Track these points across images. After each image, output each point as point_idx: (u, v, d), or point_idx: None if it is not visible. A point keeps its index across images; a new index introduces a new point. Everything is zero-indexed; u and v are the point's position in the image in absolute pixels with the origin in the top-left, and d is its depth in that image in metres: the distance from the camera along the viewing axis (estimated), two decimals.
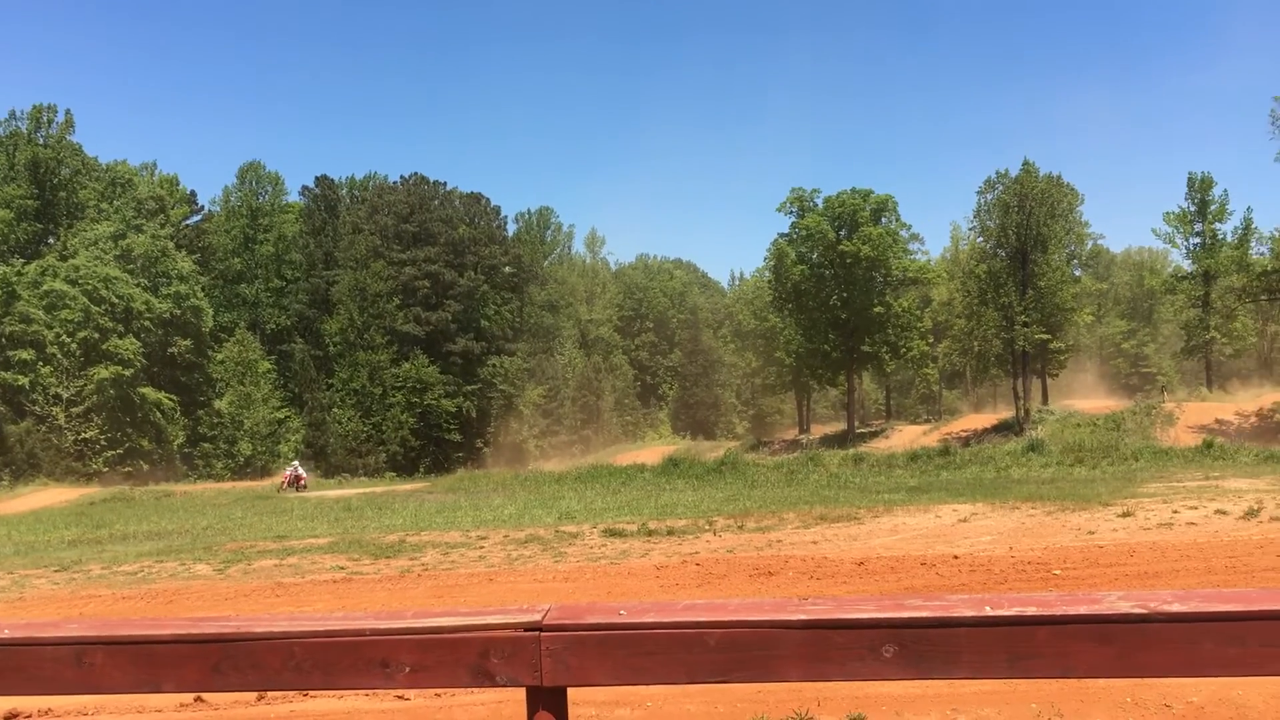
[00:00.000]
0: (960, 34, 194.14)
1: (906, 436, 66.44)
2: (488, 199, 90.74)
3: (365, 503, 33.21)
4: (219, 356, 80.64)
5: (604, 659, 2.10)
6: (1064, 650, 2.04)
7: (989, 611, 2.07)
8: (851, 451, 46.52)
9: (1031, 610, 2.06)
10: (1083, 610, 2.05)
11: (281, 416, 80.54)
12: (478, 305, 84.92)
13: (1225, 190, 73.36)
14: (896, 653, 2.08)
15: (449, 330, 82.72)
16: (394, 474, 69.12)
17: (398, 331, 79.98)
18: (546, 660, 2.09)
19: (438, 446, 79.48)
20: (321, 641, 2.15)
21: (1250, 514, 17.89)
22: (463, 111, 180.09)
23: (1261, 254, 65.71)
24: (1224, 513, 18.25)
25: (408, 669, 2.12)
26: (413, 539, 19.59)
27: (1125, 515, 18.48)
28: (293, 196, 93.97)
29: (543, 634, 2.09)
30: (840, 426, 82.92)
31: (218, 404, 78.51)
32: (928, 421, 78.60)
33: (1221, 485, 24.85)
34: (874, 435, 72.21)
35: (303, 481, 49.83)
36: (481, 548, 17.55)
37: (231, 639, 2.16)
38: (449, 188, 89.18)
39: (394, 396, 77.59)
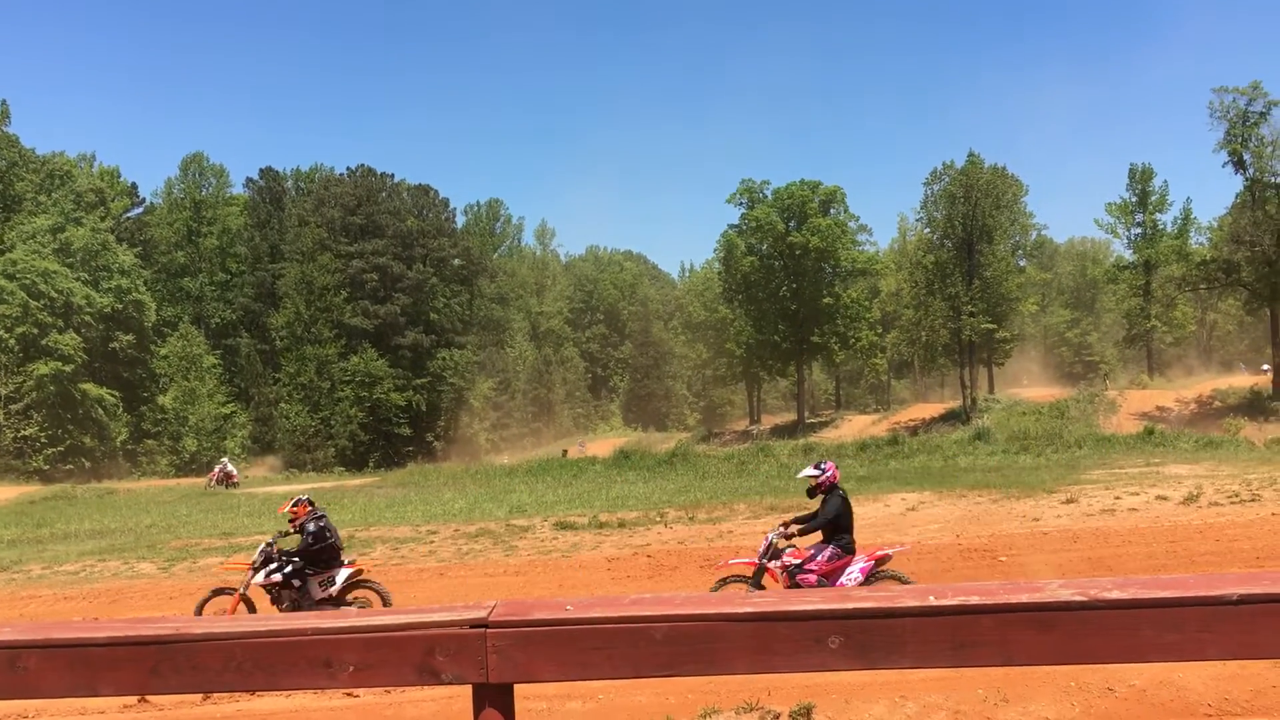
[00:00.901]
0: (906, 26, 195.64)
1: (856, 426, 67.05)
2: (436, 191, 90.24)
3: (314, 498, 32.87)
4: (162, 351, 79.39)
5: (550, 655, 2.09)
6: (1006, 638, 2.06)
7: (933, 601, 2.08)
8: (801, 442, 46.84)
9: (974, 599, 2.08)
10: (1024, 598, 2.07)
11: (227, 412, 79.48)
12: (427, 298, 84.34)
13: (1165, 181, 74.83)
14: (842, 643, 2.09)
15: (398, 323, 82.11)
16: (343, 469, 68.53)
17: (346, 325, 79.26)
18: (493, 657, 2.07)
19: (387, 441, 78.89)
20: (263, 642, 2.12)
21: (1190, 499, 18.26)
22: (411, 103, 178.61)
23: (1200, 244, 67.19)
24: (1164, 498, 18.62)
25: (351, 668, 2.09)
26: (362, 534, 19.43)
27: (1069, 502, 18.79)
28: (237, 189, 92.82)
29: (488, 631, 2.07)
30: (791, 417, 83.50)
31: (161, 400, 77.31)
32: (877, 411, 79.40)
33: (1162, 471, 25.34)
34: (824, 425, 72.81)
35: (233, 479, 48.62)
36: (432, 542, 17.46)
37: (169, 640, 2.12)
38: (397, 180, 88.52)
39: (342, 391, 76.90)
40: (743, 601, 2.16)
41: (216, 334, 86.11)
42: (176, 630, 2.14)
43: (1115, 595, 2.07)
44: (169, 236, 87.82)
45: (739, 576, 11.58)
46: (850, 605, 2.09)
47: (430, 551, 16.17)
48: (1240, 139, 51.92)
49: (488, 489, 32.07)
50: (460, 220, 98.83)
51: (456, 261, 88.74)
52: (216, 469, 50.11)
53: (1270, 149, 51.56)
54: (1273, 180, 52.09)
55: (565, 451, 61.03)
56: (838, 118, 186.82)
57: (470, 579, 13.13)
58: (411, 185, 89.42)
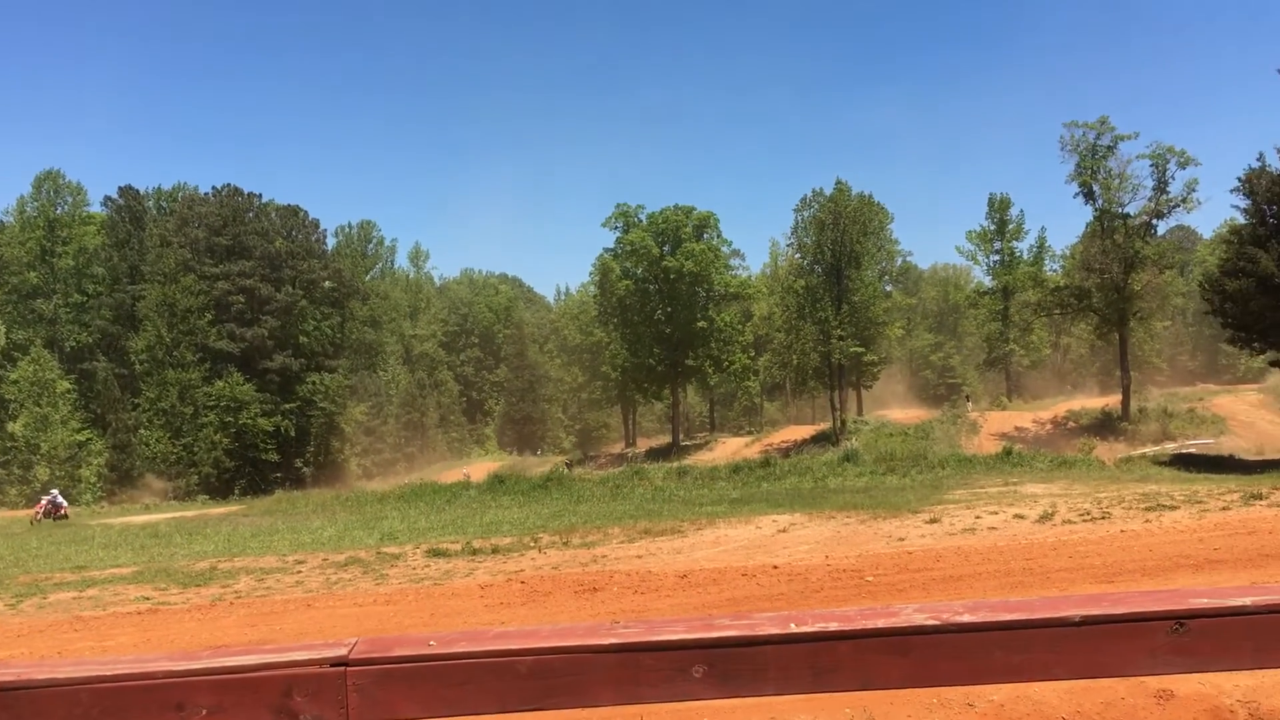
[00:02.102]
0: (778, 56, 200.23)
1: (729, 448, 67.84)
2: (306, 212, 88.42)
3: (174, 528, 31.70)
4: (13, 376, 75.61)
5: (413, 692, 2.06)
6: (864, 663, 2.12)
7: (793, 628, 2.13)
8: (676, 464, 47.16)
9: (833, 625, 2.13)
10: (881, 624, 2.13)
11: (83, 439, 76.04)
12: (296, 321, 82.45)
13: (1022, 210, 78.30)
14: (706, 672, 2.11)
15: (265, 347, 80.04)
16: (207, 497, 66.22)
17: (210, 348, 76.89)
18: (353, 696, 2.03)
19: (254, 467, 76.67)
20: (110, 686, 2.03)
21: (1045, 518, 18.98)
22: (280, 123, 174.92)
23: (1054, 271, 70.17)
24: (1022, 517, 19.31)
25: (205, 711, 2.02)
26: (225, 565, 18.79)
27: (932, 521, 19.33)
28: (95, 207, 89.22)
29: (349, 669, 2.03)
30: (666, 439, 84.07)
31: (11, 427, 73.55)
32: (749, 433, 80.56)
33: (1020, 490, 26.28)
34: (698, 448, 73.48)
35: (62, 511, 45.10)
36: (299, 572, 16.98)
37: (10, 688, 2.03)
38: (265, 200, 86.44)
39: (206, 416, 74.50)
40: (608, 632, 2.17)
41: (72, 358, 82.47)
42: (18, 677, 2.04)
43: (966, 619, 2.14)
44: (20, 256, 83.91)
45: None
46: (714, 634, 2.13)
47: (297, 582, 15.72)
48: (1090, 171, 54.46)
49: (358, 516, 31.38)
50: (331, 242, 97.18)
51: (327, 284, 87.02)
52: (44, 500, 45.91)
53: (1118, 181, 54.22)
54: (1120, 211, 54.75)
55: (467, 475, 60.13)
56: (711, 144, 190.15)
57: (339, 609, 12.81)
58: (280, 206, 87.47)
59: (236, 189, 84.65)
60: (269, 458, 78.14)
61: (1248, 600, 2.20)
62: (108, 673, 2.04)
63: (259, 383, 78.81)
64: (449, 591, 13.77)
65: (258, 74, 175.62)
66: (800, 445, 61.49)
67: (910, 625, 2.13)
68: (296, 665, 2.03)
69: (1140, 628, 2.17)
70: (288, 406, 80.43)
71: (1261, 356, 39.87)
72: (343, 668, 2.03)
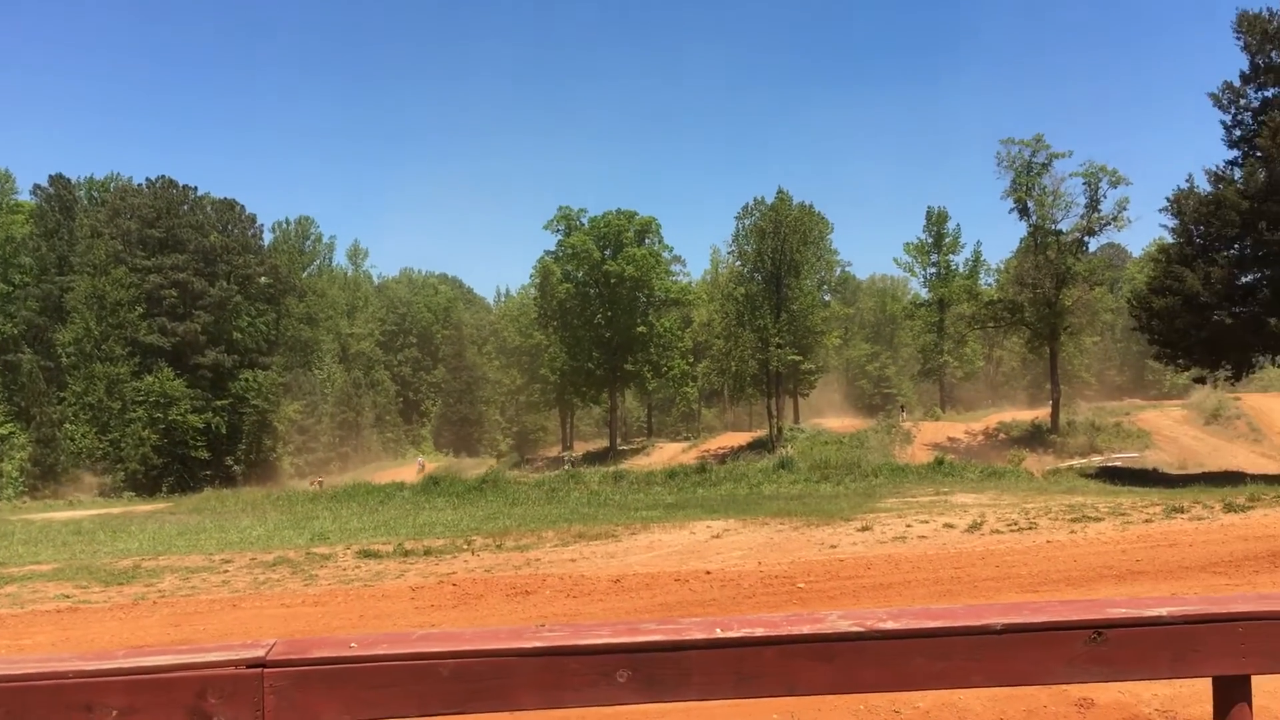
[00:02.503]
0: (722, 64, 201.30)
1: (666, 454, 67.93)
2: (242, 206, 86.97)
3: (98, 525, 30.97)
4: None
5: (332, 695, 2.03)
6: (789, 669, 2.13)
7: (719, 633, 2.13)
8: (612, 469, 47.14)
9: (759, 631, 2.14)
10: (805, 630, 2.15)
11: (5, 432, 74.09)
12: (230, 316, 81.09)
13: (958, 224, 79.58)
14: (630, 677, 2.11)
15: (198, 342, 78.62)
16: (133, 494, 64.82)
17: (141, 343, 75.33)
18: (270, 698, 2.00)
19: (183, 465, 75.24)
20: (16, 686, 1.97)
21: (974, 527, 19.27)
22: (215, 115, 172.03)
23: (989, 284, 71.31)
24: (951, 526, 19.57)
25: (115, 712, 1.98)
26: (149, 564, 18.40)
27: (864, 529, 19.51)
28: (23, 195, 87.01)
29: (266, 670, 2.00)
30: (603, 443, 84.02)
31: None
32: (687, 439, 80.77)
33: (950, 500, 26.65)
34: (635, 452, 73.53)
35: None
36: (226, 572, 16.68)
37: None
38: (200, 193, 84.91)
39: (135, 411, 72.96)
40: (533, 635, 2.15)
41: None
42: None
43: (889, 626, 2.16)
44: None
45: None
46: (640, 638, 2.12)
47: (224, 581, 15.44)
48: (1025, 188, 55.40)
49: (289, 515, 30.92)
50: (268, 237, 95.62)
51: (263, 279, 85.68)
52: None
53: (1051, 198, 55.22)
54: (1053, 227, 55.77)
55: (422, 465, 59.28)
56: (654, 150, 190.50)
57: (266, 610, 12.59)
58: (216, 199, 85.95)
59: (171, 181, 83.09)
60: (199, 455, 76.74)
61: (1164, 611, 2.24)
62: (14, 672, 1.98)
63: (190, 378, 77.37)
64: (379, 593, 13.62)
65: (195, 65, 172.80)
66: (737, 452, 61.76)
67: (835, 632, 2.15)
68: (212, 666, 1.99)
69: (1059, 636, 2.20)
70: (219, 403, 79.07)
71: (1186, 373, 40.83)
72: (260, 669, 1.99)
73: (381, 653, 2.09)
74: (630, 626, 2.19)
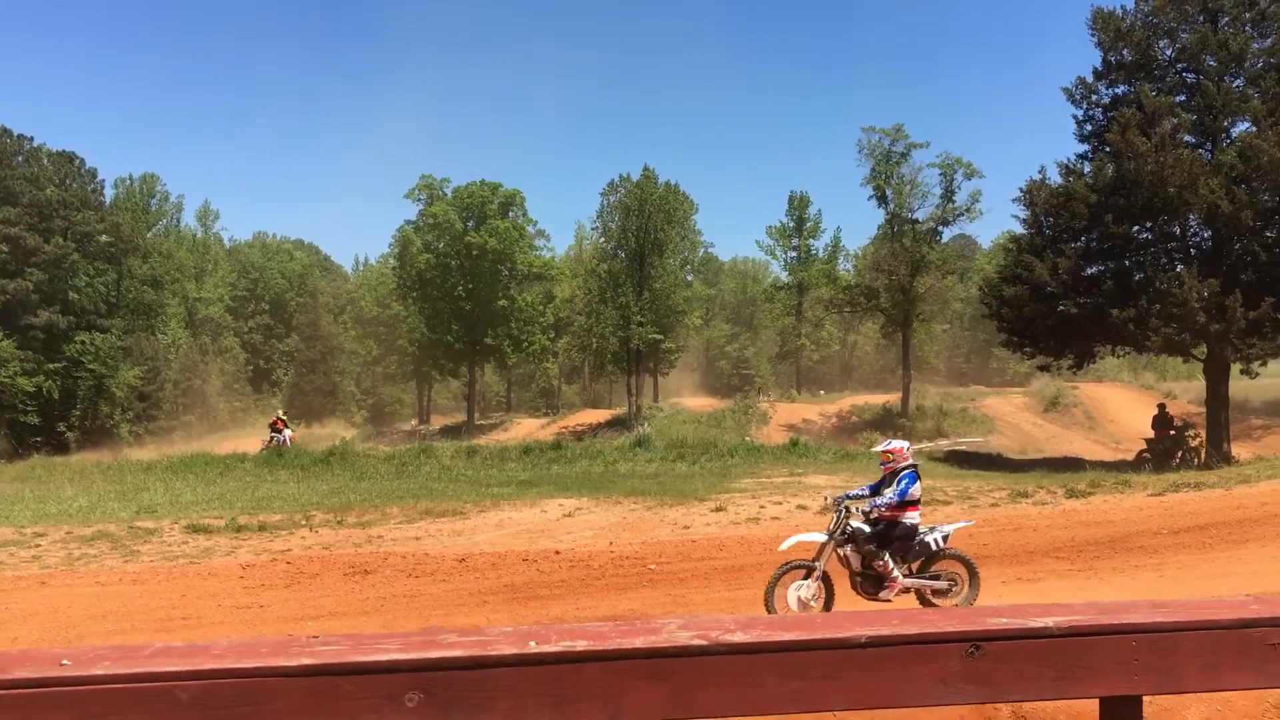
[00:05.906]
0: (590, 37, 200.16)
1: (524, 429, 67.48)
2: (82, 160, 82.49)
3: None
4: None
5: None
6: (616, 689, 1.79)
7: (533, 648, 1.78)
8: (465, 443, 46.28)
9: (581, 645, 1.79)
10: (639, 643, 1.81)
11: None
12: (66, 275, 76.91)
13: (819, 210, 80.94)
14: (422, 701, 1.75)
15: (29, 301, 74.38)
16: None
17: None
18: None
19: (11, 430, 71.17)
20: None
21: (826, 509, 19.41)
22: (58, 59, 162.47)
23: (847, 270, 72.86)
24: (804, 507, 19.69)
25: None
26: None
27: (718, 510, 19.46)
28: None
29: None
30: (461, 418, 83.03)
31: None
32: (546, 415, 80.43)
33: (804, 481, 26.88)
34: (493, 427, 72.84)
35: None
36: (38, 546, 15.52)
37: None
38: (36, 144, 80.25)
39: None
40: (301, 650, 1.74)
41: None
42: None
43: (738, 638, 1.82)
44: None
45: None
46: (435, 654, 1.74)
47: (34, 557, 14.33)
48: (884, 176, 56.63)
49: (117, 486, 29.25)
50: (110, 194, 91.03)
51: (104, 238, 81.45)
52: None
53: (909, 187, 56.61)
54: (909, 216, 57.17)
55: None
56: (519, 121, 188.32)
57: (77, 588, 11.69)
58: (53, 151, 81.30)
59: (5, 129, 78.36)
60: (28, 420, 72.76)
61: (1050, 621, 1.94)
62: None
63: (20, 339, 73.21)
64: (205, 571, 12.84)
65: (32, 4, 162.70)
66: (595, 429, 61.64)
67: (672, 646, 1.80)
68: None
69: (932, 650, 1.89)
70: (52, 366, 75.04)
71: (1030, 361, 42.27)
72: None
73: (101, 673, 1.68)
74: (424, 639, 1.81)
